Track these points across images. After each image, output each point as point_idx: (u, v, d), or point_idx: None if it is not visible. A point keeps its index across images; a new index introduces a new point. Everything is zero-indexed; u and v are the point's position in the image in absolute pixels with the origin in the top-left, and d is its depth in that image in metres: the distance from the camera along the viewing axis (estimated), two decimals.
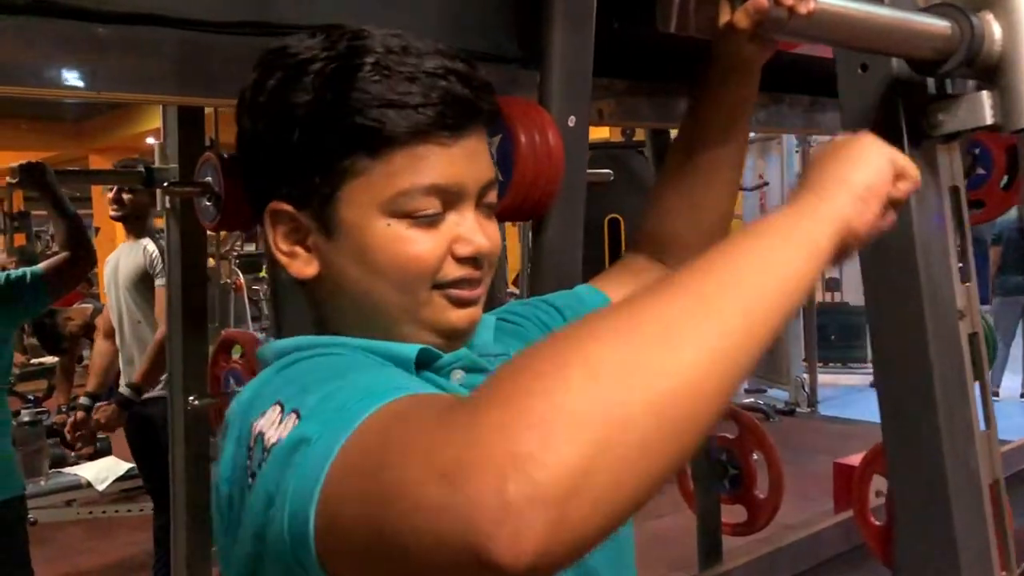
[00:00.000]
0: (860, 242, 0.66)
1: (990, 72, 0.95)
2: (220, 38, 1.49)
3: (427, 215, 0.68)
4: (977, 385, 1.09)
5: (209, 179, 2.07)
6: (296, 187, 0.69)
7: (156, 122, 7.67)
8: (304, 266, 0.71)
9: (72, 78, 1.37)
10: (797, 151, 7.46)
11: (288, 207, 0.70)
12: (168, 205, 2.46)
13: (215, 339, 2.68)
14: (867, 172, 0.66)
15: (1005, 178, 2.20)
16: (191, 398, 2.13)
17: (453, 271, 0.70)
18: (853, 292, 8.53)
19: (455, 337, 0.73)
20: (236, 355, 2.13)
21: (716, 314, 0.51)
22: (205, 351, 2.49)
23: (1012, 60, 0.93)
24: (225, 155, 2.06)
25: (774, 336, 0.54)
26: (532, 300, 0.94)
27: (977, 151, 2.13)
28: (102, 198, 9.96)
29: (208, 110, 2.54)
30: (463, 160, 0.69)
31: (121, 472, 4.63)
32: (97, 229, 10.39)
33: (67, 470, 4.77)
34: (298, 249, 0.71)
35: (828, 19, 0.80)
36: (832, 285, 8.92)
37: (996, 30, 0.93)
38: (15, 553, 2.46)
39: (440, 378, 0.71)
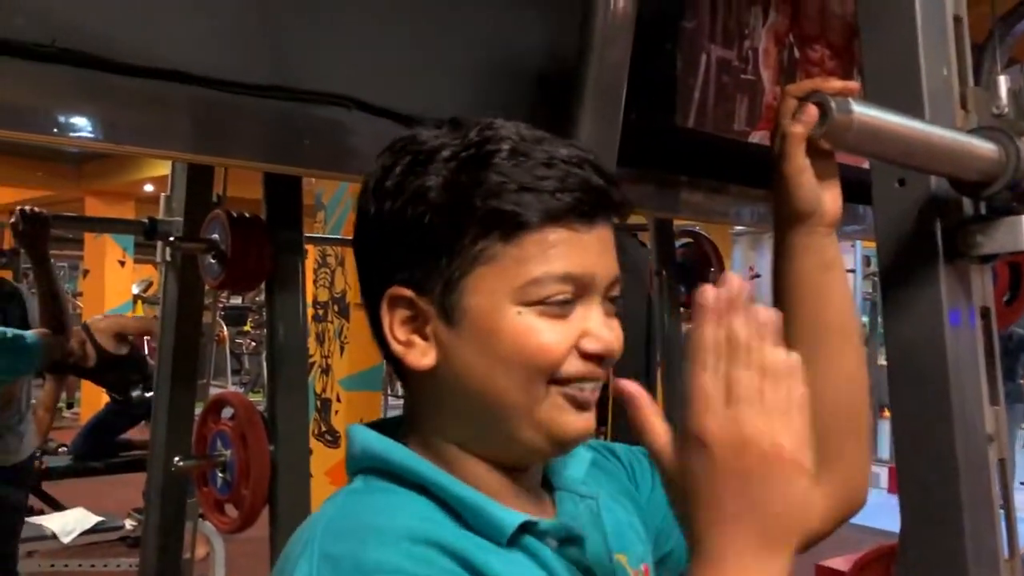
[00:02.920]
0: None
1: None
2: (237, 99, 1.49)
3: (558, 303, 0.66)
4: (1003, 513, 1.05)
5: (216, 236, 2.05)
6: (419, 271, 0.67)
7: (155, 170, 7.70)
8: (421, 356, 0.68)
9: (93, 129, 1.35)
10: None
11: (408, 292, 0.67)
12: (168, 259, 2.43)
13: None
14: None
15: (1008, 294, 2.21)
16: (176, 459, 2.07)
17: (576, 367, 0.67)
18: None
19: (565, 446, 0.70)
20: (226, 416, 2.08)
21: None
22: (192, 408, 2.44)
23: None
24: (234, 213, 2.04)
25: None
26: (627, 451, 0.88)
27: None
28: (94, 241, 9.93)
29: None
30: (595, 250, 0.67)
31: (89, 525, 4.49)
32: (86, 271, 10.34)
33: (32, 519, 4.62)
34: (415, 338, 0.68)
35: (884, 135, 0.79)
36: None
37: None
38: None
39: (538, 543, 0.68)
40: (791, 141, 0.80)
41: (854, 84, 0.78)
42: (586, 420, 0.68)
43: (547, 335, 0.66)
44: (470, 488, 0.67)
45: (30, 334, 2.53)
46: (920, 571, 1.04)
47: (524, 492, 0.72)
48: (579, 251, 0.66)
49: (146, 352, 5.91)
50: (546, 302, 0.66)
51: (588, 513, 0.75)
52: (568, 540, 0.70)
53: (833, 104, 0.75)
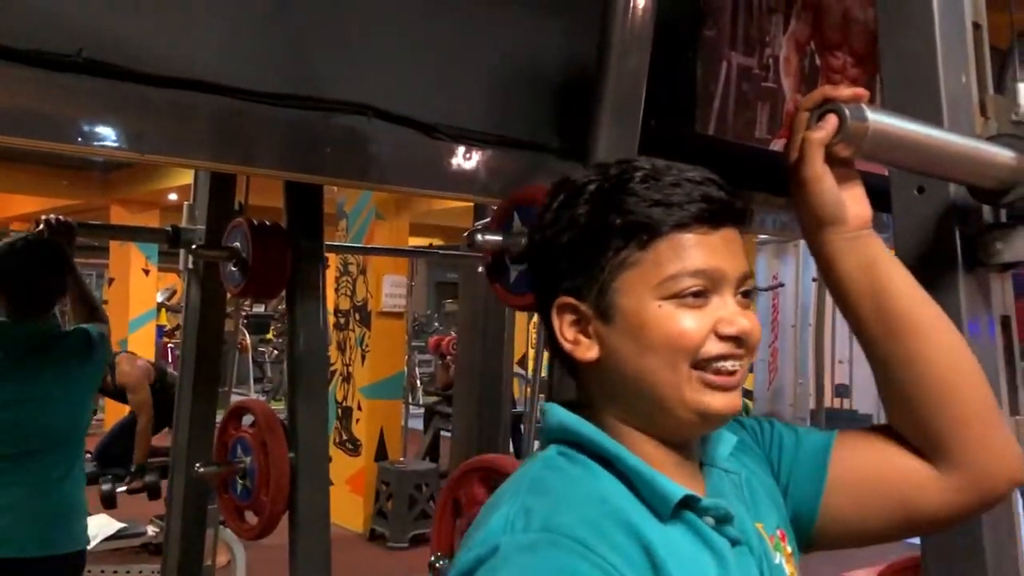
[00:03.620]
0: None
1: None
2: (259, 108, 1.51)
3: (692, 294, 0.77)
4: None
5: (238, 244, 2.07)
6: (578, 282, 0.80)
7: (180, 179, 7.77)
8: (586, 351, 0.80)
9: (118, 139, 1.37)
10: None
11: (571, 300, 0.80)
12: (191, 266, 2.46)
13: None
14: None
15: None
16: (197, 465, 2.08)
17: (715, 348, 0.77)
18: (862, 399, 8.45)
19: (712, 421, 0.80)
20: (247, 423, 2.09)
21: None
22: (214, 415, 2.46)
23: None
24: (255, 222, 2.06)
25: None
26: (765, 422, 0.95)
27: None
28: (119, 249, 10.03)
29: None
30: (722, 250, 0.78)
31: (112, 531, 4.54)
32: (111, 280, 10.45)
33: None
34: (580, 336, 0.80)
35: (900, 142, 0.79)
36: (841, 391, 8.84)
37: None
38: None
39: (697, 518, 0.78)
40: (810, 147, 0.82)
41: (863, 91, 0.78)
42: (728, 399, 0.79)
43: (686, 322, 0.77)
44: (643, 461, 0.78)
45: (93, 327, 2.56)
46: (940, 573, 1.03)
47: (683, 466, 0.82)
48: (707, 251, 0.77)
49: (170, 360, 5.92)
50: (682, 295, 0.77)
51: (732, 487, 0.85)
52: (724, 519, 0.79)
53: (847, 111, 0.75)
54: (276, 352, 12.48)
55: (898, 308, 0.85)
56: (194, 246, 2.30)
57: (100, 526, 4.55)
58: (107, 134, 1.39)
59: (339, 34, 1.59)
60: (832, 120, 0.79)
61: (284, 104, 1.55)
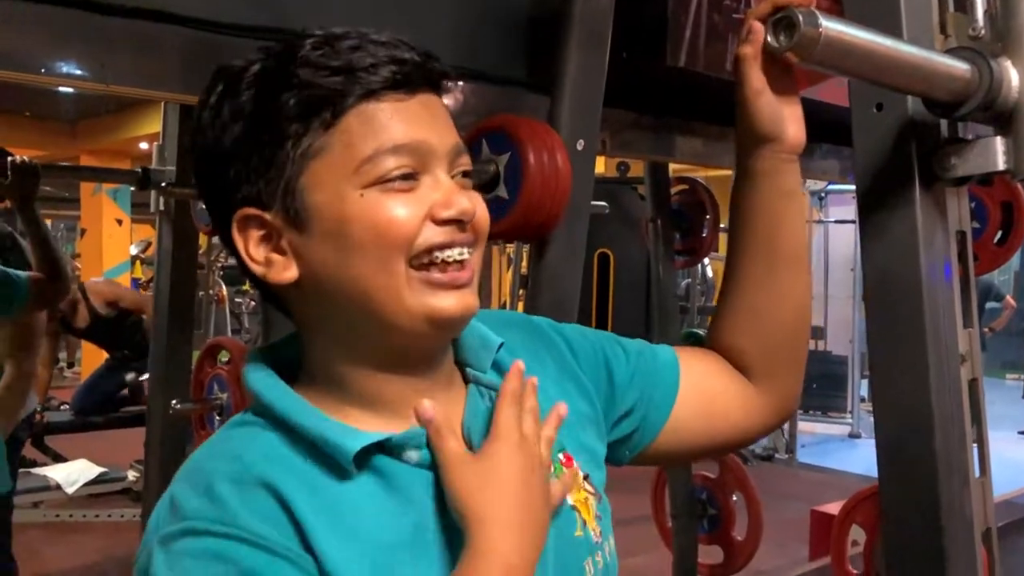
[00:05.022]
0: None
1: (1005, 118, 0.95)
2: (230, 39, 1.49)
3: (399, 177, 0.65)
4: (974, 431, 1.08)
5: None
6: (257, 188, 0.66)
7: (150, 127, 7.65)
8: (282, 271, 0.67)
9: (80, 70, 1.36)
10: None
11: (254, 210, 0.67)
12: (163, 207, 2.45)
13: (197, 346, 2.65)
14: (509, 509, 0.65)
15: (999, 233, 2.21)
16: (173, 402, 2.10)
17: (434, 235, 0.65)
18: (836, 341, 8.56)
19: (444, 327, 0.68)
20: (222, 361, 2.10)
21: None
22: (190, 355, 2.46)
23: None
24: None
25: None
26: (601, 335, 0.87)
27: (973, 204, 2.15)
28: (91, 199, 9.91)
29: None
30: (423, 118, 0.66)
31: (92, 476, 4.56)
32: (83, 231, 10.33)
33: (36, 470, 4.70)
34: (273, 255, 0.67)
35: (853, 50, 0.80)
36: (816, 333, 8.95)
37: (1014, 77, 0.94)
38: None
39: (393, 460, 0.67)
40: (744, 63, 0.80)
41: None
42: (461, 298, 0.67)
43: (395, 209, 0.64)
44: (317, 417, 0.66)
45: (18, 273, 2.49)
46: (896, 487, 1.07)
47: (431, 391, 0.70)
48: (405, 121, 0.65)
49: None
50: (386, 179, 0.64)
51: (489, 407, 0.73)
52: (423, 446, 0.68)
53: (801, 17, 0.75)
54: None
55: (792, 244, 0.85)
56: (163, 184, 2.28)
57: (80, 471, 4.58)
58: (70, 65, 1.37)
59: None
60: (758, 28, 0.78)
61: (251, 36, 1.53)
